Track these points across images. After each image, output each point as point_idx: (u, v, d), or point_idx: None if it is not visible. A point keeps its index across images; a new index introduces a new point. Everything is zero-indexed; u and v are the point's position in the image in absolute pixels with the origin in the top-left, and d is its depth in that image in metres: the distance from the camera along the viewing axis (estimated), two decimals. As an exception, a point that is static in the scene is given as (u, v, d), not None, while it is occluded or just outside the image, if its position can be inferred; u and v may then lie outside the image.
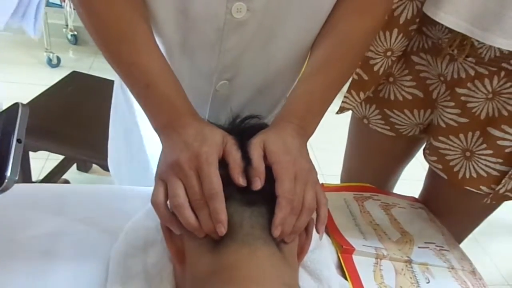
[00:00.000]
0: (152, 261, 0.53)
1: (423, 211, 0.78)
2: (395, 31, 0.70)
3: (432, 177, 0.81)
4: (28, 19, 1.37)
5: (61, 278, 0.52)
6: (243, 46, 0.58)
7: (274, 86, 0.68)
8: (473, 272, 0.64)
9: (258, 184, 0.47)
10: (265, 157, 0.49)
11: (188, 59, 0.60)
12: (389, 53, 0.72)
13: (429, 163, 0.78)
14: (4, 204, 0.62)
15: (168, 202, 0.48)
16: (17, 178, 0.38)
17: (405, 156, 0.90)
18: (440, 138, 0.73)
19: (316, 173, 0.52)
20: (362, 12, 0.58)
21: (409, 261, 0.63)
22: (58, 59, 2.48)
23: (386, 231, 0.68)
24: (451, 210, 0.79)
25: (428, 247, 0.67)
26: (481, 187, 0.70)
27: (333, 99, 0.59)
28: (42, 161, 1.73)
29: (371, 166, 0.89)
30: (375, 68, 0.74)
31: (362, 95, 0.78)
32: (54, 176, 1.55)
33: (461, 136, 0.70)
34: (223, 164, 0.48)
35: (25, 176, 1.32)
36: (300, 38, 0.61)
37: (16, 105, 0.43)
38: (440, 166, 0.74)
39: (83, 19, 0.54)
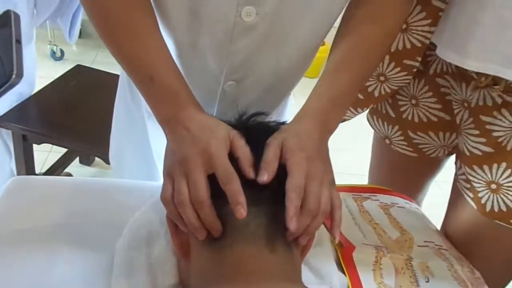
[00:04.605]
0: (156, 254, 0.54)
1: (418, 210, 0.78)
2: (387, 58, 0.71)
3: (458, 204, 0.74)
4: (65, 22, 1.37)
5: (67, 269, 0.54)
6: (251, 48, 0.58)
7: (281, 85, 0.68)
8: (472, 271, 0.65)
9: (264, 177, 0.47)
10: (281, 156, 0.49)
11: (197, 59, 0.61)
12: (382, 78, 0.73)
13: (461, 189, 0.72)
14: (11, 195, 0.63)
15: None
16: (22, 77, 0.40)
17: (430, 173, 0.88)
18: (465, 167, 0.69)
19: (332, 174, 0.52)
20: (381, 16, 0.58)
21: (409, 260, 0.64)
22: (62, 52, 2.50)
23: (385, 230, 0.68)
24: (483, 247, 0.71)
25: (427, 246, 0.67)
26: (511, 221, 0.65)
27: (355, 95, 0.59)
28: (45, 154, 1.74)
29: (396, 184, 0.85)
30: (369, 90, 0.75)
31: (360, 110, 0.79)
32: (56, 169, 1.56)
33: (485, 167, 0.66)
34: (232, 159, 0.48)
35: (29, 168, 1.33)
36: (308, 41, 0.62)
37: (7, 13, 0.44)
38: (471, 195, 0.69)
39: (88, 12, 0.55)
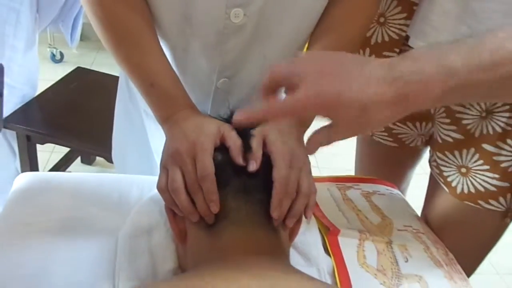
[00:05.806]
0: (156, 242, 0.58)
1: (399, 196, 0.83)
2: (367, 50, 0.76)
3: (434, 189, 0.79)
4: (67, 27, 1.42)
5: (73, 256, 0.58)
6: (241, 47, 0.63)
7: None
8: (446, 253, 0.70)
9: (254, 166, 0.52)
10: (264, 146, 0.54)
11: (191, 60, 0.66)
12: None
13: (434, 175, 0.78)
14: (19, 191, 0.68)
15: None
16: (1, 128, 0.43)
17: (411, 163, 0.93)
18: (437, 153, 0.75)
19: (309, 164, 0.57)
20: (356, 11, 0.64)
21: (390, 242, 0.69)
22: (62, 54, 2.53)
23: (367, 216, 0.73)
24: (455, 229, 0.76)
25: (406, 230, 0.72)
26: (479, 201, 0.70)
27: None
28: (48, 154, 1.79)
29: (380, 174, 0.89)
30: None
31: None
32: (59, 168, 1.61)
33: (456, 153, 0.72)
34: (223, 151, 0.53)
35: (32, 167, 1.38)
36: (293, 37, 0.66)
37: None
38: (442, 180, 0.75)
39: (93, 22, 0.60)
